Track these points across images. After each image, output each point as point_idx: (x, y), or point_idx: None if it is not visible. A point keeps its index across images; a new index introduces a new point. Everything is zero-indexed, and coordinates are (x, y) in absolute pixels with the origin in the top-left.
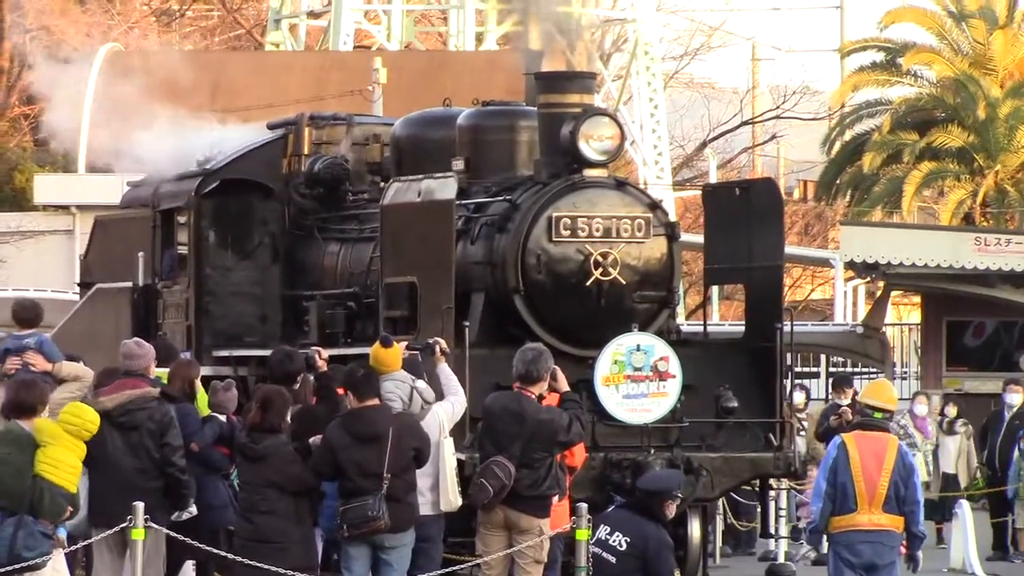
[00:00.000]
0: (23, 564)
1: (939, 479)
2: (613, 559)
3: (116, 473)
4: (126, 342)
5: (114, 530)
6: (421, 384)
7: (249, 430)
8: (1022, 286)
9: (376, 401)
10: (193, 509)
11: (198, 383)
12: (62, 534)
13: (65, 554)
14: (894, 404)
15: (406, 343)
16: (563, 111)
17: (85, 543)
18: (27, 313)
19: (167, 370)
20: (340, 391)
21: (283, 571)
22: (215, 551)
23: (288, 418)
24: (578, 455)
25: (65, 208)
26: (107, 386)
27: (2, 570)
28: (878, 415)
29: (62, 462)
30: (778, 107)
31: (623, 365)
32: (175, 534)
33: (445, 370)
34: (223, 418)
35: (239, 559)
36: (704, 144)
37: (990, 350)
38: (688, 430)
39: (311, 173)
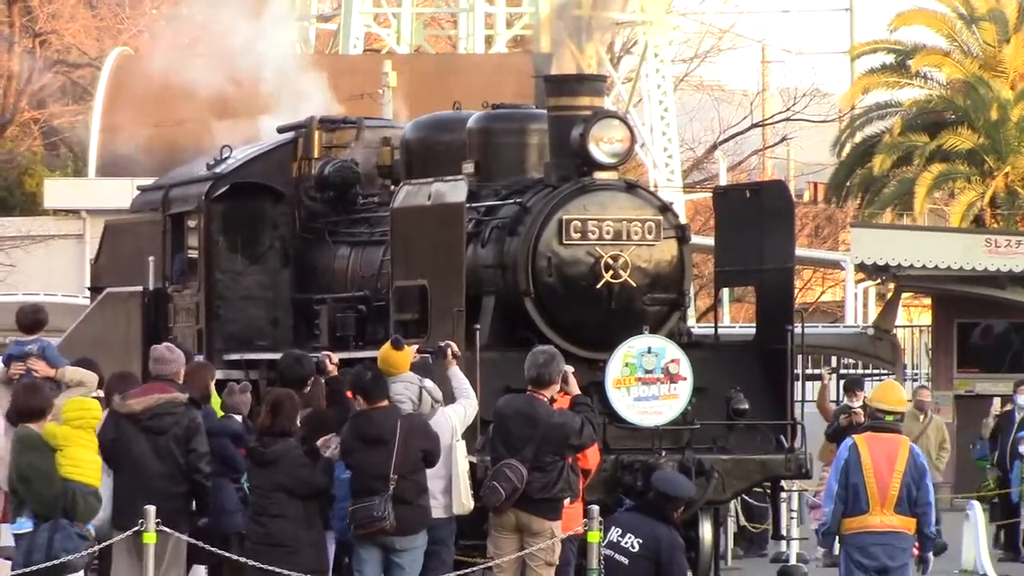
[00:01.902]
0: (60, 561)
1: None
2: (626, 561)
3: (141, 477)
4: (157, 347)
5: (131, 531)
6: (429, 383)
7: (259, 434)
8: None
9: (385, 403)
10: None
11: (212, 386)
12: (90, 529)
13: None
14: (903, 405)
15: (417, 346)
16: (573, 114)
17: (102, 545)
18: (27, 319)
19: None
20: (348, 394)
21: (294, 575)
22: (227, 555)
23: (298, 422)
24: (592, 458)
25: (75, 212)
26: (121, 390)
27: (39, 566)
28: (889, 418)
29: (83, 460)
30: (788, 109)
31: (634, 367)
32: (188, 539)
33: (456, 373)
34: (239, 418)
35: (250, 563)
36: (714, 146)
37: (1001, 351)
38: (699, 432)
39: (321, 176)
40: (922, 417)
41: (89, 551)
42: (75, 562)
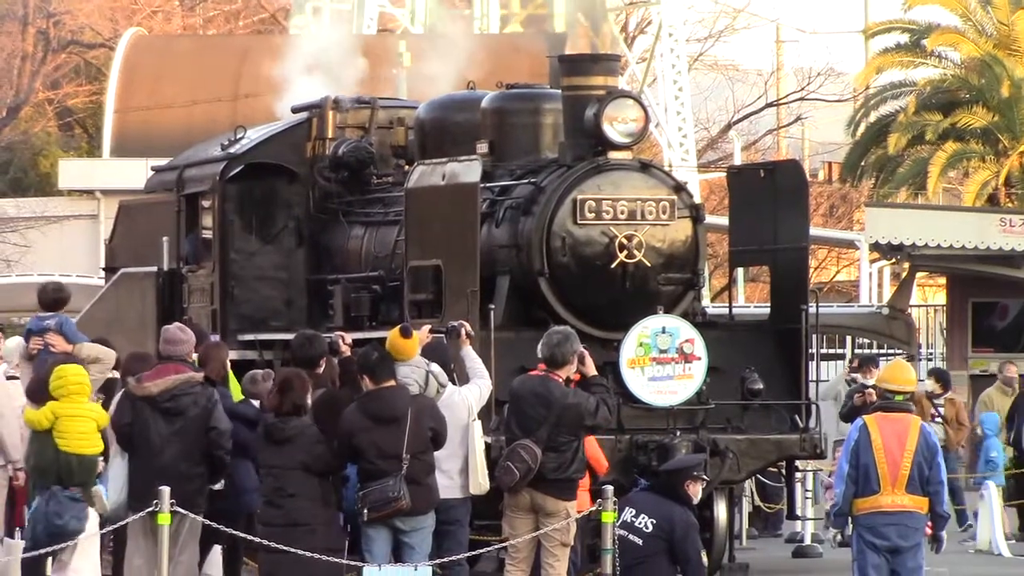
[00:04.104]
0: (59, 532)
1: None
2: (639, 541)
3: (159, 459)
4: (168, 327)
5: (145, 511)
6: (436, 367)
7: (274, 414)
8: None
9: (392, 382)
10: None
11: (228, 364)
12: (100, 488)
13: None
14: (913, 385)
15: (430, 326)
16: (587, 93)
17: (116, 525)
18: (48, 297)
19: (196, 354)
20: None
21: (314, 555)
22: (248, 537)
23: (309, 401)
24: (591, 446)
25: (90, 193)
26: (144, 371)
27: (46, 550)
28: (899, 397)
29: (68, 431)
30: (802, 89)
31: (649, 347)
32: (208, 521)
33: (470, 353)
34: (256, 403)
35: (273, 545)
36: (729, 126)
37: (1016, 330)
38: (714, 412)
39: (335, 157)
40: (1009, 392)
41: (106, 531)
42: (71, 525)
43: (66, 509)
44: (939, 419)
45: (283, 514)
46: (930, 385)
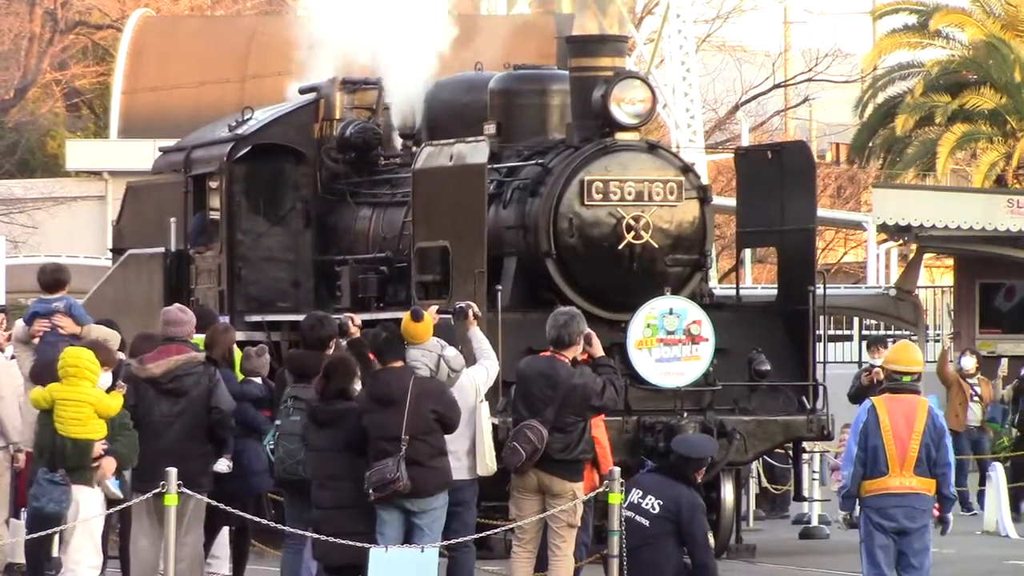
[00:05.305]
0: (39, 515)
1: None
2: (646, 522)
3: (163, 439)
4: (169, 308)
5: (151, 493)
6: (450, 352)
7: (319, 399)
8: None
9: (399, 363)
10: (229, 463)
11: (235, 348)
12: (113, 486)
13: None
14: (920, 365)
15: (437, 307)
16: (595, 75)
17: (121, 507)
18: (48, 278)
19: (202, 336)
20: (371, 356)
21: (332, 540)
22: (256, 519)
23: (357, 384)
24: (600, 444)
25: (97, 174)
26: (146, 352)
27: (41, 533)
28: (906, 379)
29: (63, 415)
30: (810, 70)
31: (656, 329)
32: (216, 503)
33: (477, 334)
34: (258, 380)
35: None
36: (736, 107)
37: (1023, 312)
38: (721, 393)
39: (343, 138)
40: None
41: (110, 512)
42: (48, 508)
43: (44, 492)
44: (976, 398)
45: (332, 496)
46: (967, 364)
